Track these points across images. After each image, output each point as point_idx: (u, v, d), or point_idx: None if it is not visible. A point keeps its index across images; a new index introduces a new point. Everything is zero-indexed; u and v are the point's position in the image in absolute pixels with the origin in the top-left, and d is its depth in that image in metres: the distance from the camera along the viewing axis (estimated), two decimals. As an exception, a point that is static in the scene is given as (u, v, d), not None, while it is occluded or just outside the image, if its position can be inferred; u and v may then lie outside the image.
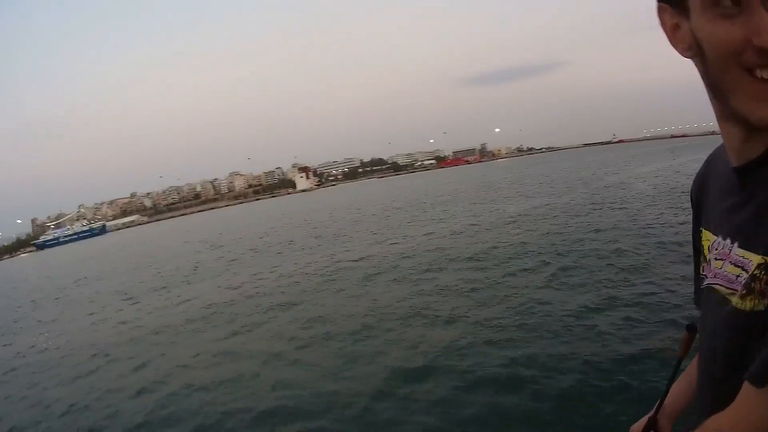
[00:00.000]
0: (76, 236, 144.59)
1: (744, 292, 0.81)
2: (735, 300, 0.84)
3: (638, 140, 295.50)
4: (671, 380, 1.42)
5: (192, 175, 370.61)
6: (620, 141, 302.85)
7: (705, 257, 1.00)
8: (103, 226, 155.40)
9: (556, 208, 24.40)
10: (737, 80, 0.75)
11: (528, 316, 9.31)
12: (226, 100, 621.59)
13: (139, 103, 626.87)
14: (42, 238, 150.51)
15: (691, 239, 1.14)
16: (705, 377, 0.97)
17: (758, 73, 0.73)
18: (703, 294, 1.00)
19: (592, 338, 7.89)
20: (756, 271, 0.79)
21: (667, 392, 1.39)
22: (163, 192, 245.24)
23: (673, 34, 0.83)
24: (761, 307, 0.77)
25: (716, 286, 0.92)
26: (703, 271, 1.01)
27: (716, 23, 0.74)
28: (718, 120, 0.86)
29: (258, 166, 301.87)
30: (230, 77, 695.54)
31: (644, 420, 1.45)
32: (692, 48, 0.80)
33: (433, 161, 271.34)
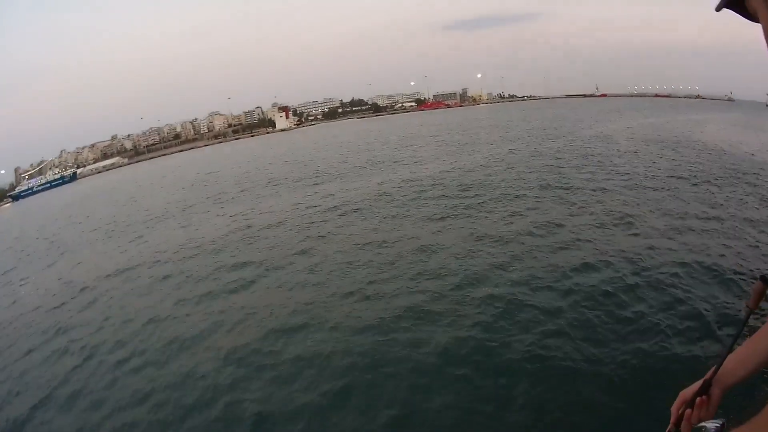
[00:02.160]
0: (48, 185, 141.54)
1: None
2: None
3: (622, 96, 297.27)
4: (736, 338, 1.35)
5: (173, 116, 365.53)
6: (603, 95, 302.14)
7: None
8: (74, 173, 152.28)
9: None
10: None
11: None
12: (207, 40, 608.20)
13: (120, 46, 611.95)
14: (18, 189, 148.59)
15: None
16: None
17: None
18: None
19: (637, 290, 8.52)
20: None
21: (729, 352, 1.32)
22: (144, 133, 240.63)
23: None
24: None
25: None
26: None
27: None
28: None
29: (238, 107, 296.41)
30: (211, 17, 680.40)
31: (698, 384, 1.41)
32: None
33: (413, 103, 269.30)
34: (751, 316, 1.31)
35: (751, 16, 0.89)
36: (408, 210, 17.21)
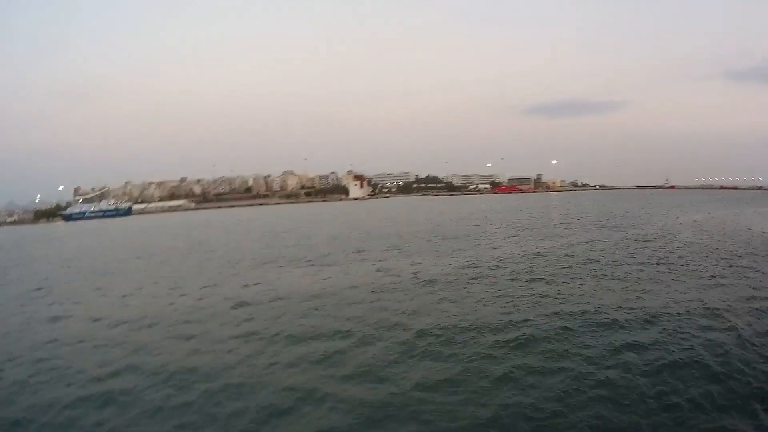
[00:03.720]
0: (102, 213, 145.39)
1: None
2: None
3: (690, 188, 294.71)
4: None
5: (245, 168, 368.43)
6: (672, 186, 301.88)
7: None
8: (129, 207, 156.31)
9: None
10: None
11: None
12: (288, 96, 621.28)
13: (201, 81, 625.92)
14: (69, 210, 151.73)
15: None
16: None
17: None
18: None
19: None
20: None
21: None
22: (214, 181, 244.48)
23: None
24: None
25: None
26: None
27: None
28: None
29: (313, 169, 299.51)
30: (291, 71, 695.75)
31: None
32: None
33: (488, 185, 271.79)
34: None
35: None
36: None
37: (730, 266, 19.39)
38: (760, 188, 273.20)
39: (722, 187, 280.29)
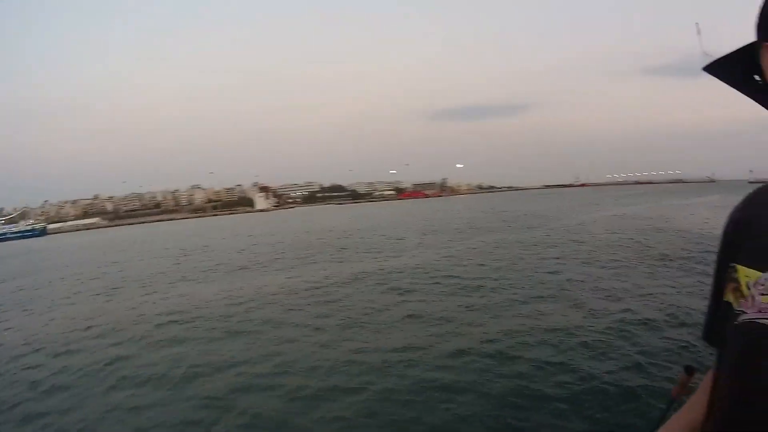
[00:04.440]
0: (19, 234, 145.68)
1: None
2: None
3: (602, 185, 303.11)
4: (661, 421, 1.39)
5: (154, 183, 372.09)
6: (583, 184, 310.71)
7: (742, 293, 1.02)
8: (44, 228, 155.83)
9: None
10: None
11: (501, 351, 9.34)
12: (194, 109, 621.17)
13: (111, 99, 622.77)
14: None
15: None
16: (735, 407, 0.95)
17: None
18: (737, 329, 1.02)
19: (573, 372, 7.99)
20: None
21: None
22: (125, 197, 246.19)
23: None
24: None
25: (764, 321, 0.95)
26: (740, 306, 1.02)
27: None
28: None
29: (219, 182, 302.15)
30: (200, 84, 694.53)
31: None
32: None
33: (392, 192, 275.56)
34: (673, 406, 1.44)
35: (735, 82, 1.01)
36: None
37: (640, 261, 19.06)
38: (678, 181, 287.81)
39: (637, 183, 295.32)
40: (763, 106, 0.95)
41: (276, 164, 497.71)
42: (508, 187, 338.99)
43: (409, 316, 12.70)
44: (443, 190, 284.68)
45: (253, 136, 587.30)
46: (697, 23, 1.00)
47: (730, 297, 1.04)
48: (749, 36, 0.90)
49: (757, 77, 0.94)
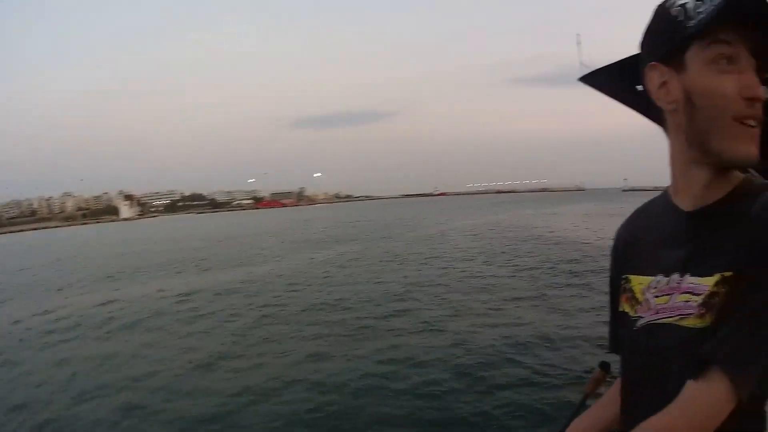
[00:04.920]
0: None
1: (703, 311, 0.95)
2: (689, 321, 0.97)
3: (462, 194, 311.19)
4: (570, 419, 1.41)
5: (33, 187, 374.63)
6: (442, 194, 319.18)
7: (637, 300, 1.10)
8: None
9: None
10: (725, 126, 0.93)
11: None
12: (67, 117, 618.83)
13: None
14: None
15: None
16: (647, 406, 0.99)
17: (745, 120, 0.93)
18: (637, 334, 1.09)
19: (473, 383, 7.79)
20: (714, 288, 0.94)
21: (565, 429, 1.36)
22: (6, 204, 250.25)
23: (658, 89, 1.00)
24: (707, 324, 0.93)
25: (662, 320, 1.02)
26: (636, 312, 1.10)
27: (713, 78, 0.93)
28: (682, 166, 1.02)
29: (90, 189, 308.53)
30: (69, 88, 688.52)
31: None
32: (678, 101, 0.98)
33: (250, 201, 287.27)
34: (587, 401, 1.45)
35: (614, 92, 1.09)
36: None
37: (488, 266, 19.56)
38: (543, 189, 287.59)
39: (499, 192, 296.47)
40: (644, 115, 1.08)
41: (141, 171, 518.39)
42: (366, 197, 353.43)
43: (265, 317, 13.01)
44: (300, 199, 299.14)
45: (120, 142, 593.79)
46: (578, 34, 1.16)
47: (625, 307, 1.15)
48: (626, 49, 1.01)
49: (640, 87, 1.05)
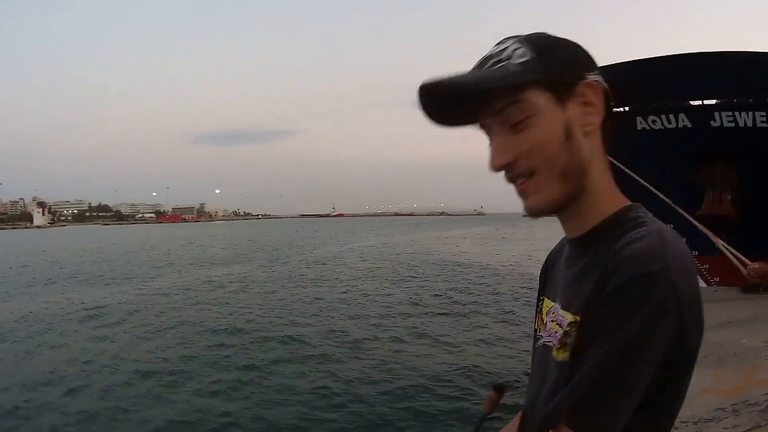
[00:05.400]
0: None
1: (559, 345, 0.97)
2: (554, 352, 0.99)
3: (360, 215, 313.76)
4: None
5: None
6: (340, 214, 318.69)
7: (543, 321, 1.13)
8: None
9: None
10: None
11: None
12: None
13: None
14: None
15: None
16: (530, 417, 1.03)
17: (512, 184, 0.98)
18: (535, 351, 1.14)
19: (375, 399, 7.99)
20: (567, 328, 0.95)
21: None
22: None
23: None
24: (567, 358, 0.93)
25: (547, 343, 1.05)
26: (540, 332, 1.14)
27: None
28: None
29: (7, 194, 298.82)
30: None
31: None
32: None
33: (153, 215, 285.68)
34: (485, 422, 1.48)
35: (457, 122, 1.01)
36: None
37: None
38: (442, 213, 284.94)
39: (397, 214, 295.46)
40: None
41: (54, 179, 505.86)
42: (264, 215, 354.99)
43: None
44: (201, 215, 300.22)
45: (36, 148, 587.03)
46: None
47: (537, 325, 1.19)
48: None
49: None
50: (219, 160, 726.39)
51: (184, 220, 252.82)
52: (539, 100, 0.95)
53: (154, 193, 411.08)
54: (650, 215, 0.97)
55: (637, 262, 0.86)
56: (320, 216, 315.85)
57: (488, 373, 9.20)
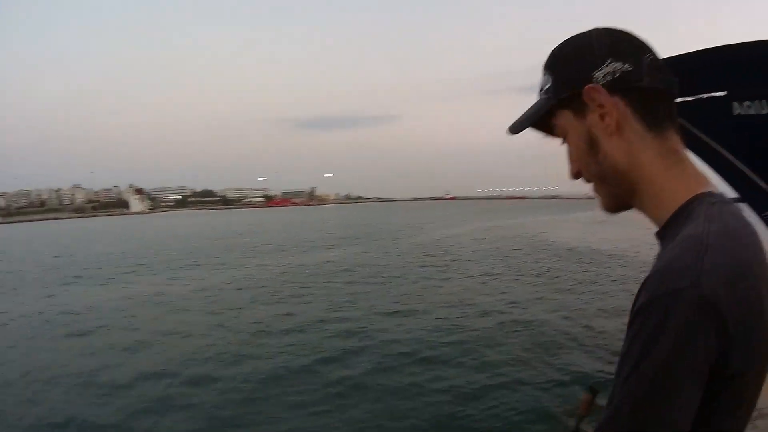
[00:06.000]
0: None
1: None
2: None
3: (473, 198, 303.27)
4: None
5: (43, 178, 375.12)
6: (453, 198, 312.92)
7: None
8: None
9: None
10: None
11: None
12: (75, 108, 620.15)
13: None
14: None
15: None
16: None
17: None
18: None
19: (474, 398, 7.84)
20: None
21: None
22: (16, 194, 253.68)
23: None
24: None
25: None
26: None
27: None
28: None
29: (100, 182, 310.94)
30: (75, 87, 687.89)
31: None
32: None
33: (261, 199, 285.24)
34: (582, 423, 1.46)
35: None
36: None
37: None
38: (553, 197, 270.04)
39: (510, 197, 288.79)
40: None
41: (152, 166, 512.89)
42: (377, 198, 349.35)
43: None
44: (312, 199, 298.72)
45: (131, 136, 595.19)
46: None
47: None
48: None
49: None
50: (325, 145, 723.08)
51: (295, 204, 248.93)
52: (564, 120, 1.01)
53: (262, 178, 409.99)
54: (710, 209, 0.88)
55: (661, 278, 0.82)
56: (434, 199, 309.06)
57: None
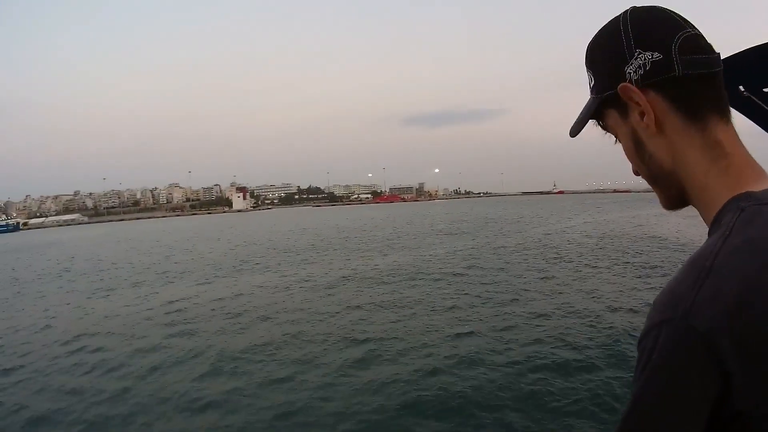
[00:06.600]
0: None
1: None
2: None
3: (580, 192, 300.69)
4: None
5: (133, 181, 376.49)
6: (560, 192, 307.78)
7: None
8: (17, 223, 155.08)
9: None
10: None
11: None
12: (171, 110, 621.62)
13: (91, 96, 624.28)
14: None
15: None
16: None
17: None
18: None
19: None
20: None
21: None
22: (105, 194, 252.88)
23: None
24: None
25: None
26: None
27: None
28: None
29: (197, 182, 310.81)
30: (173, 87, 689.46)
31: None
32: None
33: (369, 195, 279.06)
34: None
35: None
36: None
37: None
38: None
39: (615, 191, 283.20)
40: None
41: (253, 165, 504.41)
42: (485, 194, 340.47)
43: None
44: (420, 195, 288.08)
45: (230, 136, 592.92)
46: None
47: None
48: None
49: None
50: (432, 141, 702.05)
51: (403, 200, 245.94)
52: (611, 119, 0.96)
53: (370, 174, 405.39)
54: (738, 216, 0.78)
55: (656, 306, 0.76)
56: (542, 193, 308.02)
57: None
